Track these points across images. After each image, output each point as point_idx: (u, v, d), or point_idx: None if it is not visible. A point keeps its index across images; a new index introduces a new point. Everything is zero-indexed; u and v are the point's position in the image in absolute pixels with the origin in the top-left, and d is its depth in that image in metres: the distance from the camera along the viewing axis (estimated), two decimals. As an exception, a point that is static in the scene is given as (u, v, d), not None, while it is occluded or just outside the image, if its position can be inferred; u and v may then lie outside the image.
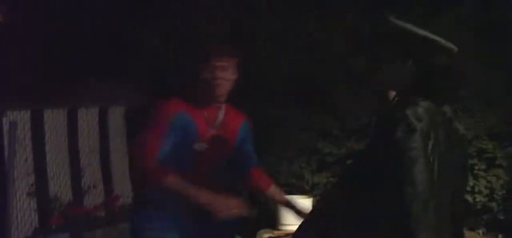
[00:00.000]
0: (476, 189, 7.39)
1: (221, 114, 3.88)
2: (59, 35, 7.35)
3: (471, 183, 7.33)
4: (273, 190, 4.20)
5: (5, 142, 6.46)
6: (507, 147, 7.38)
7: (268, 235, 7.46)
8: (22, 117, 6.79)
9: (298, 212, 4.19)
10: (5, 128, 6.50)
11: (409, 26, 3.10)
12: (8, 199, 6.30)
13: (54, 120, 7.18)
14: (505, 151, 7.37)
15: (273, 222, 7.30)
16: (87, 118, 7.34)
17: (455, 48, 3.11)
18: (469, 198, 7.23)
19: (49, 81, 7.07)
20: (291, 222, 7.34)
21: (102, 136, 7.47)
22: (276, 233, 7.42)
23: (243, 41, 7.67)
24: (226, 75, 3.77)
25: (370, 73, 3.33)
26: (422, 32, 3.10)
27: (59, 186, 7.11)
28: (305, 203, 7.55)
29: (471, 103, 7.58)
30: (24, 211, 6.73)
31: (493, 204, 7.31)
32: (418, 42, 3.09)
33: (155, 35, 7.74)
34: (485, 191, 7.33)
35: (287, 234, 7.45)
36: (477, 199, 7.36)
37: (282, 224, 7.30)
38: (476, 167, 7.45)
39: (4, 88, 7.03)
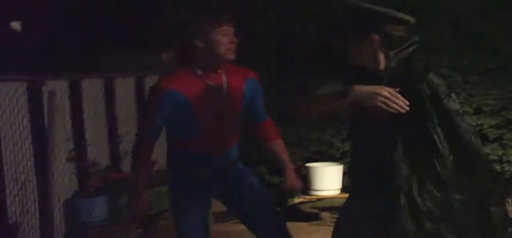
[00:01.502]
0: (504, 159, 7.46)
1: (223, 80, 3.98)
2: (96, 4, 7.47)
3: (499, 153, 7.41)
4: (278, 145, 4.26)
5: (45, 111, 6.61)
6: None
7: (300, 200, 7.63)
8: (60, 86, 6.88)
9: (287, 180, 4.22)
10: (45, 96, 6.64)
11: (367, 4, 3.30)
12: (48, 164, 6.51)
13: (92, 89, 7.33)
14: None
15: (305, 188, 7.44)
16: (125, 86, 7.50)
17: (412, 20, 3.32)
18: (497, 167, 7.29)
19: (87, 51, 7.20)
20: (322, 188, 7.55)
21: (138, 103, 7.62)
22: (308, 198, 7.59)
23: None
24: (226, 40, 3.90)
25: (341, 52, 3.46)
26: (379, 8, 3.28)
27: (97, 152, 7.30)
28: (336, 169, 7.76)
29: (498, 74, 7.64)
30: (64, 175, 6.90)
31: (522, 173, 7.36)
32: (377, 17, 3.28)
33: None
34: (514, 161, 7.37)
35: (319, 199, 7.63)
36: (506, 169, 7.43)
37: (313, 190, 7.44)
38: (505, 137, 7.51)
39: (42, 57, 7.21)
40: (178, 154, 4.13)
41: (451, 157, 3.20)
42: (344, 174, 7.97)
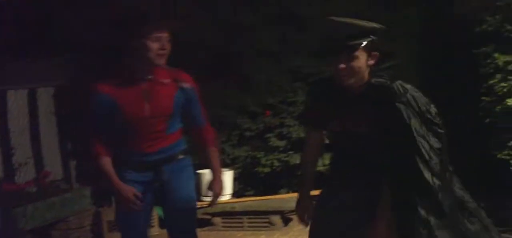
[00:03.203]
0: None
1: (151, 84, 4.22)
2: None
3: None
4: (211, 152, 4.51)
5: None
6: None
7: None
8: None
9: (211, 186, 4.49)
10: None
11: (335, 18, 3.42)
12: None
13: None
14: None
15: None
16: (16, 99, 7.49)
17: (383, 27, 3.46)
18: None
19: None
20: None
21: (31, 115, 7.64)
22: (199, 204, 7.70)
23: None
24: (158, 46, 4.13)
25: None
26: (347, 20, 3.40)
27: (-10, 163, 7.28)
28: (227, 175, 7.98)
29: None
30: (-46, 188, 6.86)
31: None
32: (352, 30, 3.36)
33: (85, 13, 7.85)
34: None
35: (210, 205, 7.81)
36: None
37: (205, 196, 7.55)
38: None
39: None
40: (120, 152, 4.33)
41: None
42: (235, 179, 8.25)
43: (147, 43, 4.10)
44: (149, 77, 4.21)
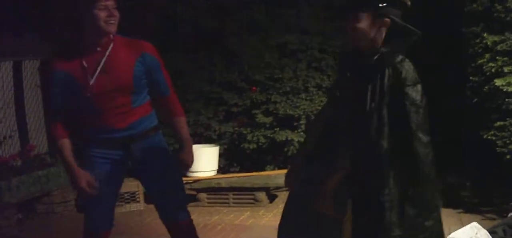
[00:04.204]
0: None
1: (108, 56, 4.12)
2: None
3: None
4: (179, 121, 4.38)
5: None
6: None
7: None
8: None
9: (181, 156, 4.36)
10: None
11: None
12: None
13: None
14: None
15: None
16: (1, 71, 7.41)
17: (408, 2, 3.40)
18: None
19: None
20: (199, 169, 7.75)
21: (16, 88, 7.57)
22: (185, 179, 7.74)
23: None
24: (105, 15, 4.03)
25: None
26: None
27: (-26, 136, 7.24)
28: (213, 151, 8.00)
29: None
30: None
31: None
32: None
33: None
34: None
35: (196, 180, 7.84)
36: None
37: (190, 171, 7.59)
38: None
39: None
40: (88, 130, 4.26)
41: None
42: (220, 155, 8.25)
43: (94, 12, 4.01)
44: (102, 48, 4.12)
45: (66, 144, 4.18)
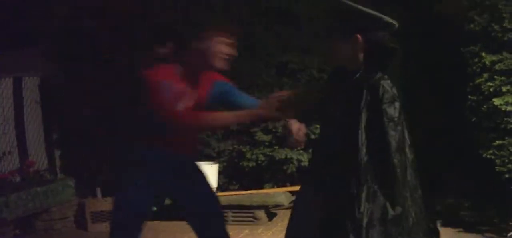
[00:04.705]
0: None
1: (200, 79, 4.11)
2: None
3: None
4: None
5: None
6: None
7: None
8: None
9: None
10: None
11: (355, 5, 3.41)
12: None
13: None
14: None
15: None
16: (1, 88, 7.44)
17: (396, 24, 3.45)
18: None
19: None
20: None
21: (16, 105, 7.59)
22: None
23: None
24: (224, 49, 4.05)
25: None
26: (367, 10, 3.41)
27: (-27, 152, 7.25)
28: (212, 168, 7.99)
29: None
30: None
31: None
32: (364, 19, 3.40)
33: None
34: None
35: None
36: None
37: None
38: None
39: None
40: (141, 150, 4.11)
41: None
42: (220, 173, 8.24)
43: (212, 45, 4.01)
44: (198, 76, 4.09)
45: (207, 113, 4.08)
